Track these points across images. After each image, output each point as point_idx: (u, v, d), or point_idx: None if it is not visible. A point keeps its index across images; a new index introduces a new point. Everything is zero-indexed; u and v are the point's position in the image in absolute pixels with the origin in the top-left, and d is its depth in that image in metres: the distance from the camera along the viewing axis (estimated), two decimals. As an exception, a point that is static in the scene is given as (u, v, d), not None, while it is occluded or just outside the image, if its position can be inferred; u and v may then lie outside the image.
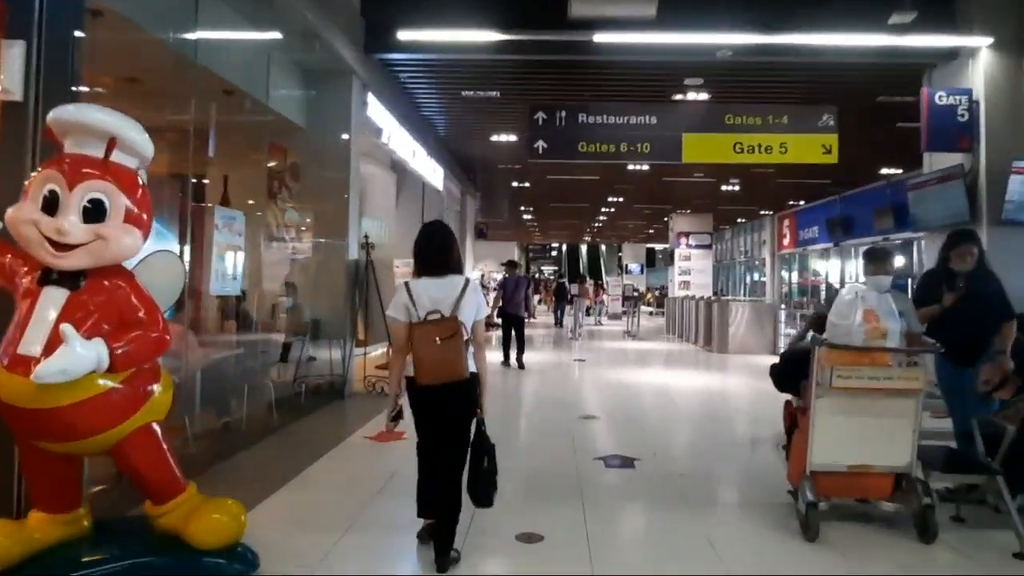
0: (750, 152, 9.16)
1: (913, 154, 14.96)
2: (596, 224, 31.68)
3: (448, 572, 3.44)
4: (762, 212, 25.72)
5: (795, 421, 4.63)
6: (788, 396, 5.74)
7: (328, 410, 7.69)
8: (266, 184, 6.90)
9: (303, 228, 8.20)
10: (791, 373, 5.60)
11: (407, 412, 3.65)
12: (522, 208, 25.99)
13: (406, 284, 3.54)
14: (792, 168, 16.31)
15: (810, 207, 23.00)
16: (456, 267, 3.63)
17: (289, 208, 7.46)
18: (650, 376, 11.20)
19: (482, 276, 30.77)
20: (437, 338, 3.36)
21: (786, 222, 25.57)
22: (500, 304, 11.73)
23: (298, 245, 8.24)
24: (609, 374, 11.15)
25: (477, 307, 3.59)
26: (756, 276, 30.75)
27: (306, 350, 7.96)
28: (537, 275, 48.16)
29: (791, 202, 22.93)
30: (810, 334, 5.09)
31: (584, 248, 56.20)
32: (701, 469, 5.63)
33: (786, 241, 25.69)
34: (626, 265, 46.02)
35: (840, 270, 21.50)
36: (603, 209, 25.51)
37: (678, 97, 9.99)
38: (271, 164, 6.92)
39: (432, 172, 13.58)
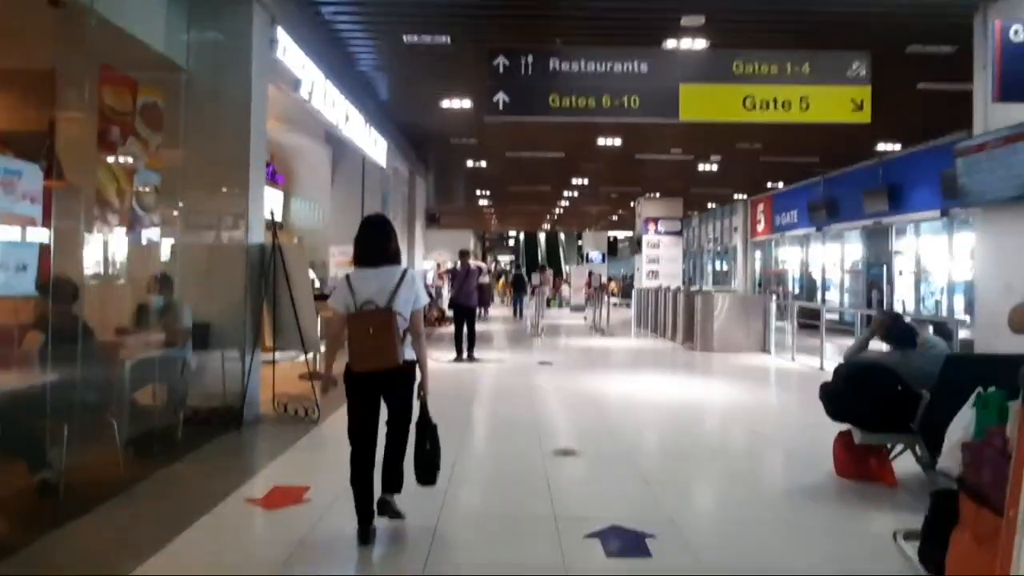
0: (763, 108, 7.34)
1: (924, 127, 13.45)
2: (557, 210, 29.83)
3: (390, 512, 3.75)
4: (736, 196, 24.19)
5: (944, 507, 2.77)
6: (844, 425, 4.73)
7: (217, 447, 5.65)
8: (96, 131, 4.74)
9: (178, 200, 6.09)
10: (857, 398, 4.52)
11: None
12: (478, 192, 23.97)
13: (347, 276, 3.70)
14: (779, 143, 14.71)
15: (789, 190, 21.52)
16: (394, 258, 3.75)
17: (144, 170, 5.32)
18: (633, 384, 9.36)
19: (438, 266, 28.94)
20: (370, 328, 3.51)
21: (760, 207, 24.10)
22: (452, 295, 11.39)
23: (174, 223, 6.13)
24: (583, 382, 9.27)
25: (415, 297, 3.70)
26: (720, 265, 29.33)
27: (188, 365, 5.88)
28: (494, 265, 46.21)
29: (770, 184, 21.39)
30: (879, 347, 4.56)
31: (543, 237, 54.45)
32: (753, 552, 3.76)
33: (760, 227, 24.23)
34: (587, 254, 44.33)
35: (821, 257, 20.05)
36: (566, 193, 23.65)
37: (673, 42, 8.10)
38: (107, 102, 4.79)
39: (373, 144, 11.49)
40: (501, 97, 7.27)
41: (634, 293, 23.80)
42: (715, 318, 13.02)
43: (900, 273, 16.81)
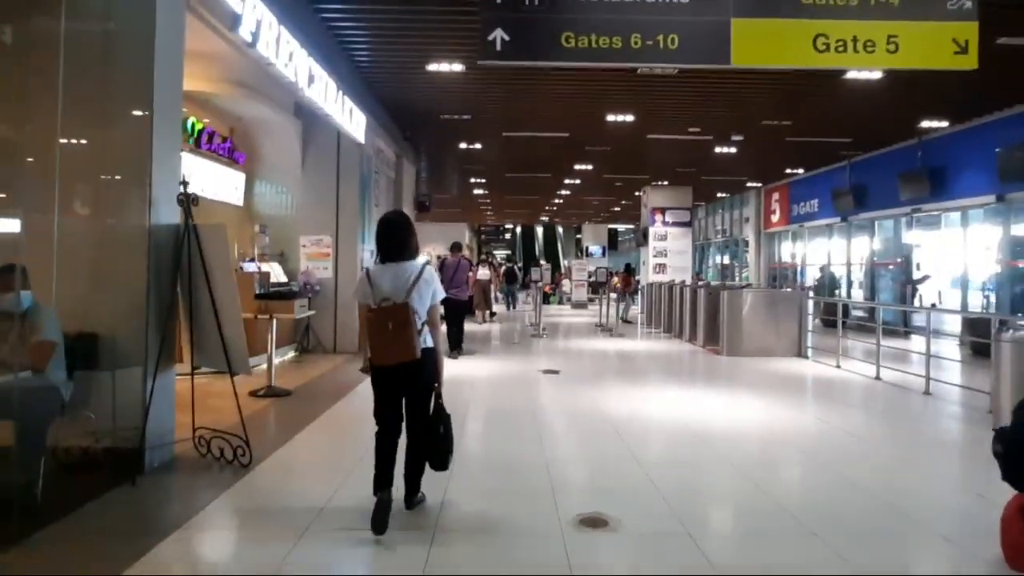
0: (840, 51, 5.64)
1: (984, 97, 11.69)
2: (557, 200, 28.09)
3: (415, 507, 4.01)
4: (749, 184, 22.50)
5: None
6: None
7: (94, 511, 3.94)
8: None
9: (45, 159, 4.37)
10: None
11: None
12: (472, 180, 22.21)
13: (367, 271, 3.95)
14: (810, 120, 13.02)
15: (809, 176, 19.84)
16: (412, 254, 3.92)
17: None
18: (663, 403, 7.68)
19: (438, 259, 27.16)
20: (390, 324, 3.68)
21: (775, 196, 22.43)
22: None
23: (42, 194, 4.41)
24: (600, 400, 7.58)
25: (432, 293, 3.90)
26: (726, 258, 27.67)
27: (57, 393, 4.16)
28: (488, 258, 44.48)
29: (788, 171, 19.70)
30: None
31: (540, 230, 52.72)
32: None
33: (775, 217, 22.56)
34: (586, 247, 42.61)
35: (847, 249, 18.38)
36: (567, 181, 21.91)
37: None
38: None
39: (348, 117, 9.75)
40: (499, 35, 5.57)
41: (642, 289, 22.17)
42: (744, 318, 11.34)
43: (919, 268, 15.18)
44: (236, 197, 10.70)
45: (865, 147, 15.67)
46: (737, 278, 26.58)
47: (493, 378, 9.14)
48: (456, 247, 11.96)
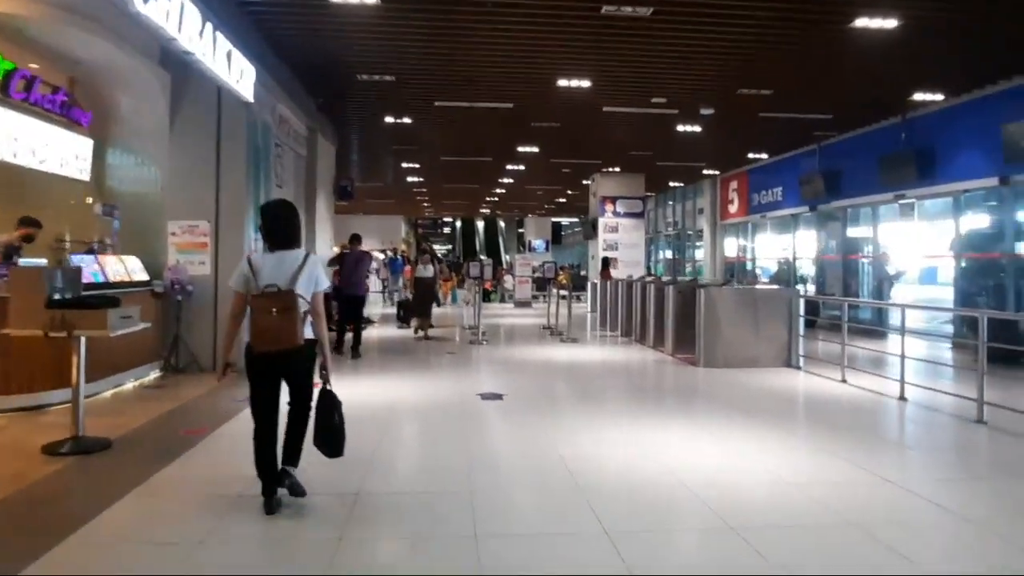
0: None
1: (986, 66, 10.16)
2: (499, 190, 25.90)
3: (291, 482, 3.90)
4: (706, 172, 20.81)
5: None
6: None
7: None
8: None
9: None
10: None
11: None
12: (405, 165, 19.81)
13: (248, 258, 3.95)
14: (790, 93, 11.24)
15: (773, 162, 18.22)
16: (296, 243, 4.03)
17: None
18: (647, 451, 5.58)
19: (386, 254, 24.69)
20: (273, 309, 3.72)
21: (733, 184, 20.82)
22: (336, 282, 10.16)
23: None
24: (563, 446, 5.43)
25: (316, 280, 3.95)
26: (678, 253, 26.11)
27: None
28: (428, 249, 41.95)
29: (752, 155, 18.02)
30: None
31: (481, 224, 50.49)
32: None
33: (733, 208, 20.96)
34: (529, 242, 40.64)
35: (815, 241, 16.80)
36: (509, 167, 19.76)
37: None
38: None
39: (226, 64, 7.34)
40: None
41: (591, 286, 20.25)
42: (723, 322, 9.42)
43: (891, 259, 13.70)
44: (78, 169, 8.16)
45: (843, 126, 14.03)
46: (684, 274, 25.02)
47: (414, 409, 6.92)
48: (355, 238, 10.90)
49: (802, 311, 9.45)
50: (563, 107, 12.31)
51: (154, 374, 7.99)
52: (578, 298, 23.33)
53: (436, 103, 12.06)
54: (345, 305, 10.48)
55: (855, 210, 15.17)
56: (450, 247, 50.06)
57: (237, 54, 7.57)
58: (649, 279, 14.15)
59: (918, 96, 11.52)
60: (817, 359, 9.54)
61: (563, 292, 14.23)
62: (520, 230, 45.37)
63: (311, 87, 11.55)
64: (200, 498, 4.06)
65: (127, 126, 8.78)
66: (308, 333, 3.85)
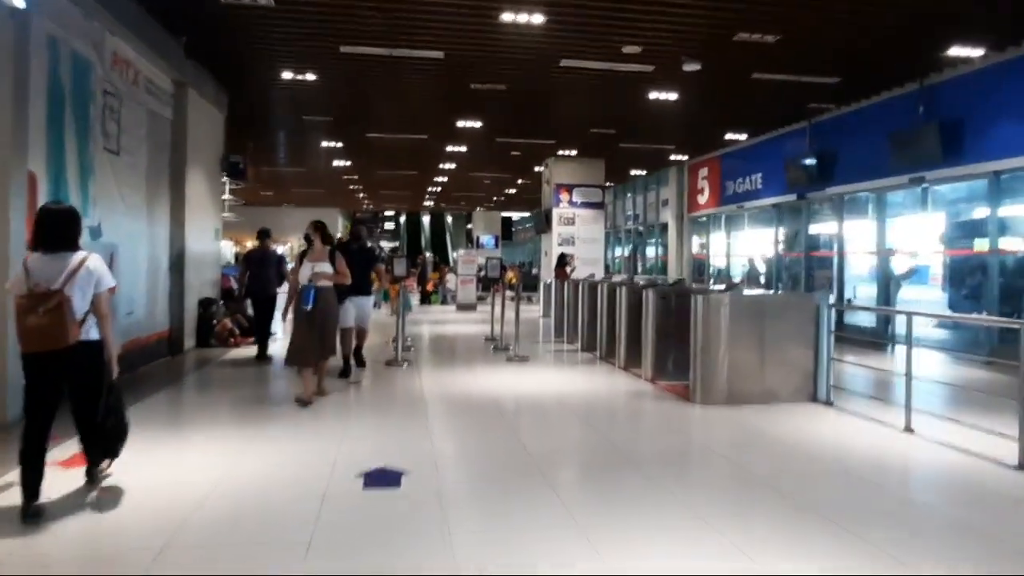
0: None
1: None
2: (441, 178, 23.00)
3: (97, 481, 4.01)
4: (673, 158, 18.35)
5: None
6: None
7: None
8: None
9: None
10: None
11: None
12: (325, 145, 16.79)
13: (24, 260, 3.83)
14: (797, 41, 8.76)
15: (752, 145, 15.83)
16: (72, 245, 3.90)
17: None
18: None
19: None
20: (40, 308, 3.63)
21: (703, 171, 18.41)
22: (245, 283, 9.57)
23: None
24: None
25: (96, 280, 3.87)
26: (625, 249, 23.73)
27: None
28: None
29: (730, 136, 15.58)
30: None
31: (427, 220, 47.50)
32: None
33: (703, 198, 18.56)
34: (477, 237, 37.86)
35: (803, 234, 14.44)
36: (450, 148, 16.94)
37: None
38: None
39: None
40: None
41: (543, 286, 17.60)
42: (727, 340, 6.82)
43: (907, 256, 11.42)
44: None
45: (848, 95, 11.66)
46: (639, 270, 22.66)
47: (228, 520, 4.09)
48: (264, 234, 9.86)
49: (832, 325, 6.88)
50: (510, 60, 9.60)
51: None
52: (529, 299, 20.71)
53: (342, 48, 9.18)
54: (256, 305, 9.74)
55: (853, 197, 12.85)
56: (396, 244, 46.97)
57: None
58: (617, 279, 11.55)
59: (953, 51, 9.14)
60: (849, 390, 7.04)
61: (511, 294, 11.47)
62: (468, 226, 42.59)
63: (167, 18, 8.54)
64: None
65: None
66: (94, 334, 3.86)
